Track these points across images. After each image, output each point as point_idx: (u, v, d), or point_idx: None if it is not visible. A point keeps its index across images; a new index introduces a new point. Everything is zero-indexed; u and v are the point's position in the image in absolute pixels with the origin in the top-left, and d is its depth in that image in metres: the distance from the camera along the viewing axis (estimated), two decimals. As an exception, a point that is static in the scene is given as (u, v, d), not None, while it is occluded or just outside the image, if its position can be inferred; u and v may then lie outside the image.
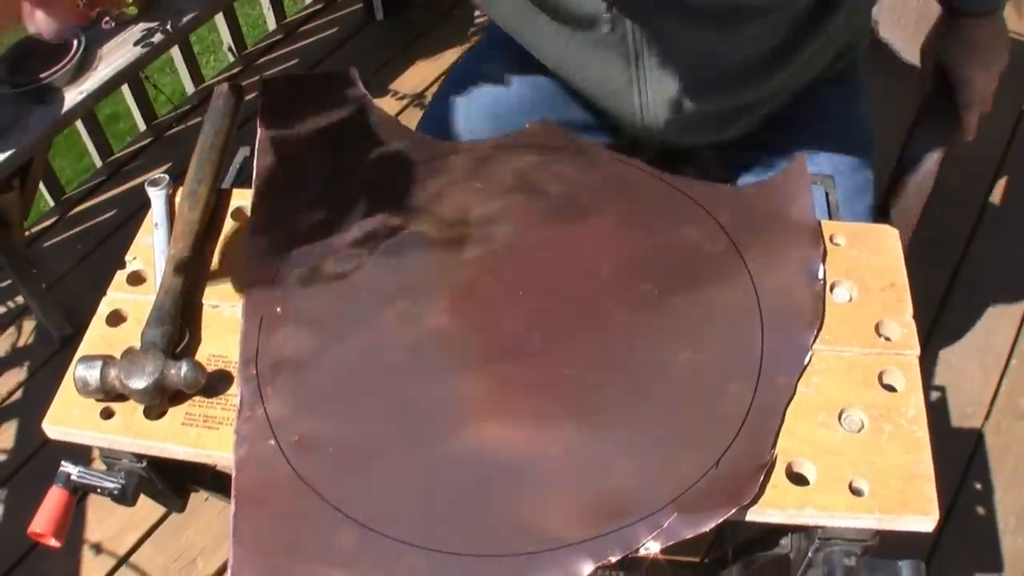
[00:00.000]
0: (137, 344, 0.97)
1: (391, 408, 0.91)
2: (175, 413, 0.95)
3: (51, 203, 2.81)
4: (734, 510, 0.80)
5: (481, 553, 0.80)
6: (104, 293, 1.06)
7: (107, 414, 0.96)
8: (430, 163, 1.12)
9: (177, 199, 1.11)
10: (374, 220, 1.07)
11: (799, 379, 0.89)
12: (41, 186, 2.73)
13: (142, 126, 2.97)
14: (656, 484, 0.82)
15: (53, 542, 0.96)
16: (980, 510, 1.89)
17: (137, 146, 2.93)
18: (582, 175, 1.09)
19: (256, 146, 1.14)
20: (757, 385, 0.88)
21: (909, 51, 2.22)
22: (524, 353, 0.93)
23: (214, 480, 1.12)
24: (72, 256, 2.59)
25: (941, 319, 2.22)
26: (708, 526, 0.79)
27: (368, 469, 0.87)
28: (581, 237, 1.03)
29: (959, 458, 1.98)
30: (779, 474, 0.83)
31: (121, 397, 0.96)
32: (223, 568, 1.96)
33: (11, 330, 2.49)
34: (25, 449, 2.22)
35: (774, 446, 0.84)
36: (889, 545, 0.84)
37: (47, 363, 2.38)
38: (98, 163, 2.90)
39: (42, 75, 2.19)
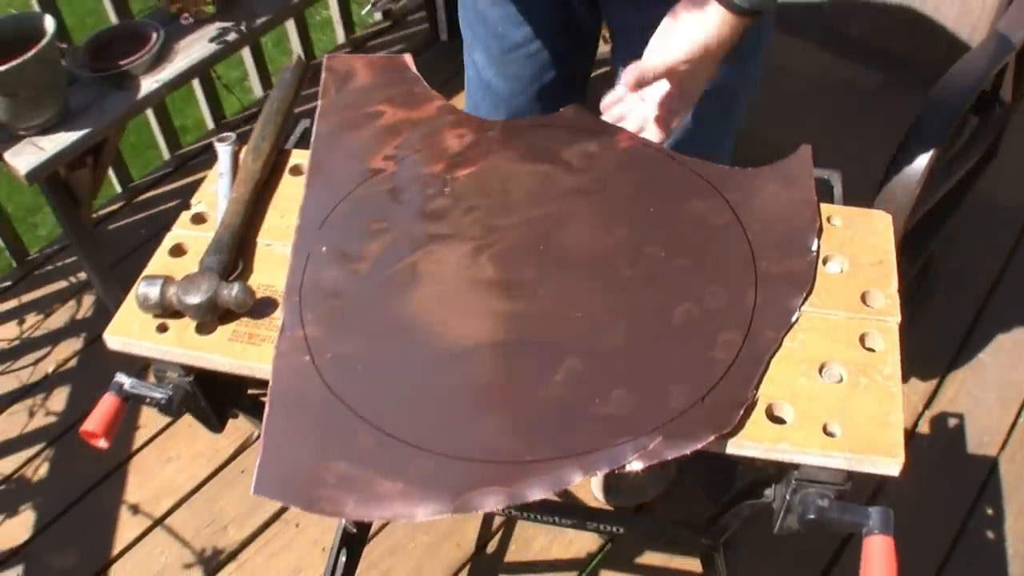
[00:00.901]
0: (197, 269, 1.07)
1: (413, 334, 1.01)
2: (223, 330, 1.04)
3: (118, 189, 2.94)
4: (713, 438, 0.88)
5: (483, 459, 0.89)
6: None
7: (162, 328, 1.06)
8: (471, 132, 1.23)
9: (242, 154, 1.21)
10: (413, 178, 1.18)
11: (785, 335, 0.98)
12: (110, 172, 2.87)
13: (210, 124, 3.11)
14: (646, 413, 0.91)
15: (102, 443, 1.05)
16: (990, 534, 1.94)
17: (204, 143, 3.06)
18: (603, 152, 1.19)
19: (317, 113, 1.26)
20: (746, 336, 0.97)
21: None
22: (538, 296, 1.03)
23: (253, 407, 1.21)
24: (135, 240, 2.72)
25: (964, 352, 2.28)
26: (688, 450, 0.88)
27: (389, 384, 0.97)
28: (598, 204, 1.13)
29: (972, 483, 2.03)
30: (760, 413, 0.91)
31: (177, 315, 1.06)
32: (253, 536, 2.06)
33: (71, 303, 2.62)
34: (74, 413, 2.34)
35: (756, 388, 0.93)
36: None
37: (101, 336, 2.50)
38: (166, 156, 3.04)
39: (121, 63, 2.33)
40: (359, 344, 1.00)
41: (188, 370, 1.07)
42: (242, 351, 1.02)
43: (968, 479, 2.03)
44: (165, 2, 2.44)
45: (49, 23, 2.20)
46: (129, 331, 1.06)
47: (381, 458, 0.90)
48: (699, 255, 1.06)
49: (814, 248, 1.05)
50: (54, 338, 2.54)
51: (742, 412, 0.90)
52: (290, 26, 3.15)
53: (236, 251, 1.11)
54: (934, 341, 2.31)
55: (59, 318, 2.59)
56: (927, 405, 2.18)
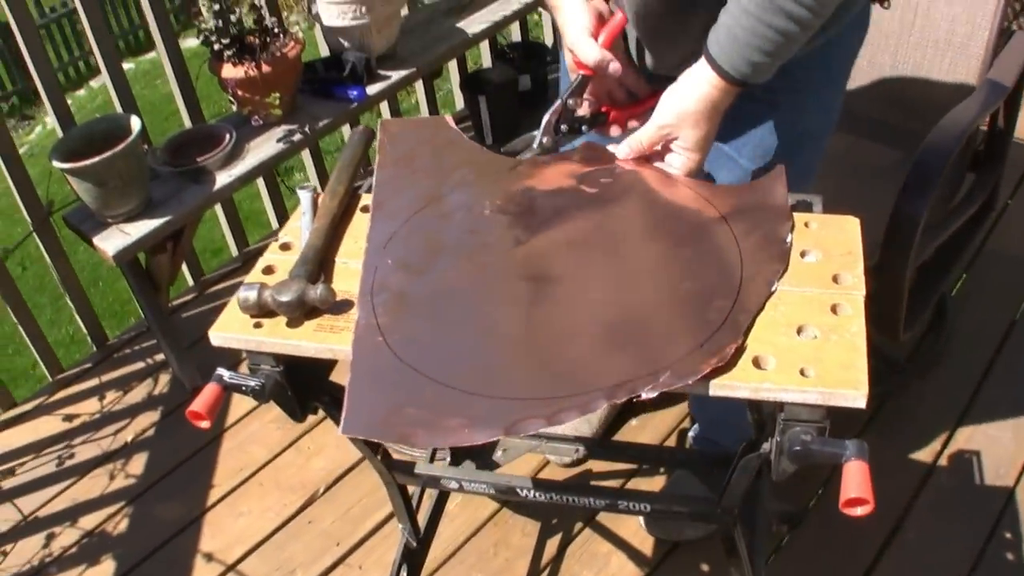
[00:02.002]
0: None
1: (463, 314, 1.26)
2: (309, 324, 1.26)
3: (191, 283, 3.20)
4: (710, 368, 1.10)
5: (526, 397, 1.11)
6: (235, 361, 1.40)
7: (257, 325, 1.27)
8: (505, 166, 1.48)
9: (321, 197, 1.45)
10: (459, 206, 1.43)
11: (766, 300, 1.20)
12: (184, 269, 3.13)
13: (274, 223, 3.38)
14: (657, 357, 1.13)
15: (204, 423, 1.25)
16: (1009, 555, 2.07)
17: (269, 241, 3.32)
18: (615, 176, 1.45)
19: (376, 164, 1.52)
20: (735, 302, 1.20)
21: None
22: (565, 283, 1.27)
23: (332, 401, 1.41)
24: (206, 325, 2.93)
25: (979, 396, 2.45)
26: (691, 380, 1.09)
27: (446, 353, 1.20)
28: (613, 215, 1.37)
29: (991, 511, 2.18)
30: (748, 363, 1.11)
31: (270, 315, 1.27)
32: (317, 578, 2.24)
33: (148, 381, 2.85)
34: (152, 475, 2.55)
35: (745, 336, 1.15)
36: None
37: (177, 408, 2.73)
38: (235, 253, 3.30)
39: (198, 159, 2.60)
40: (420, 326, 1.23)
41: (278, 361, 1.28)
42: (325, 338, 1.23)
43: (986, 509, 2.18)
44: (237, 107, 2.72)
45: (135, 123, 2.48)
46: (230, 328, 1.28)
47: (443, 403, 1.12)
48: (697, 247, 1.30)
49: (788, 240, 1.28)
50: (133, 411, 2.76)
51: (733, 350, 1.11)
52: (348, 131, 3.44)
53: (319, 265, 1.33)
54: (949, 388, 2.48)
55: (137, 394, 2.82)
56: (945, 445, 2.33)
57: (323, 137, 2.97)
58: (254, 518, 2.41)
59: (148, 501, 2.50)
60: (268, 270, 1.38)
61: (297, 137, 2.73)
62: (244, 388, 1.30)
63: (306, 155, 3.36)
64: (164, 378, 2.85)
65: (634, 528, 2.20)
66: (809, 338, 1.14)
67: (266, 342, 1.26)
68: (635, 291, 1.25)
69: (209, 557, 2.32)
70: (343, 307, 1.27)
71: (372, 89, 2.87)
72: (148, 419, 2.73)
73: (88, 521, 2.47)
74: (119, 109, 2.79)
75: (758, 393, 1.09)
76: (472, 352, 1.20)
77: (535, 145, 1.46)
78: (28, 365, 4.52)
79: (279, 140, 2.72)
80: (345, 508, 2.39)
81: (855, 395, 1.06)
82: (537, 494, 1.51)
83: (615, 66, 1.45)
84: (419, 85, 3.61)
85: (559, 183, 1.44)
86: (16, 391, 3.02)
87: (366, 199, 1.49)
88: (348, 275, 1.33)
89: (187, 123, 2.97)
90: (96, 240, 2.47)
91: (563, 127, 1.46)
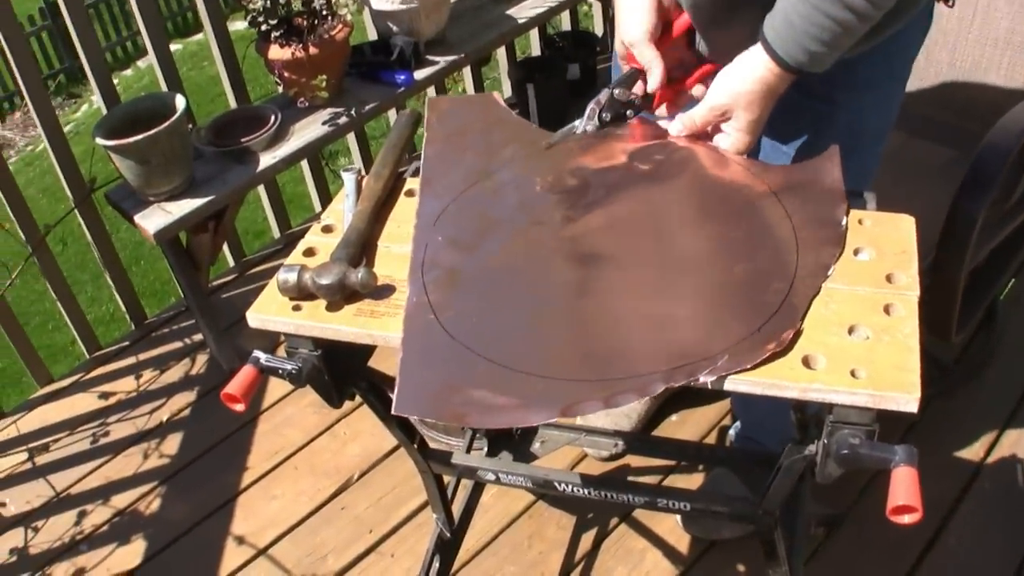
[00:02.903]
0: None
1: (515, 292, 1.24)
2: (349, 309, 1.24)
3: (232, 263, 3.19)
4: (768, 353, 1.07)
5: (582, 378, 1.09)
6: (272, 344, 1.38)
7: (296, 308, 1.25)
8: (556, 144, 1.45)
9: (366, 179, 1.43)
10: (510, 182, 1.41)
11: (822, 283, 1.18)
12: (225, 250, 3.12)
13: (317, 206, 3.36)
14: (714, 341, 1.10)
15: (239, 406, 1.23)
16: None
17: (311, 224, 3.31)
18: (667, 154, 1.41)
19: (424, 141, 1.49)
20: (791, 285, 1.16)
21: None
22: (620, 261, 1.24)
23: (370, 387, 1.39)
24: (245, 308, 2.93)
25: (1001, 439, 2.37)
26: (749, 364, 1.07)
27: (499, 331, 1.18)
28: (666, 194, 1.35)
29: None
30: (796, 361, 1.07)
31: (309, 297, 1.25)
32: (350, 564, 2.22)
33: (186, 361, 2.85)
34: (186, 456, 2.55)
35: (802, 320, 1.12)
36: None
37: (213, 389, 2.72)
38: (277, 235, 3.30)
39: (242, 140, 2.59)
40: (471, 304, 1.21)
41: (316, 345, 1.26)
42: (364, 323, 1.21)
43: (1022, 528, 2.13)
44: (283, 88, 2.71)
45: (180, 101, 2.47)
46: (268, 310, 1.26)
47: (497, 382, 1.10)
48: (751, 229, 1.27)
49: (843, 222, 1.25)
50: (169, 391, 2.76)
51: (791, 335, 1.09)
52: (394, 117, 3.42)
53: (361, 248, 1.31)
54: (996, 392, 2.43)
55: (174, 374, 2.82)
56: (989, 450, 2.29)
57: (369, 121, 2.95)
58: (287, 502, 2.39)
59: (181, 482, 2.49)
60: (309, 252, 1.35)
61: (343, 120, 2.72)
62: (281, 372, 1.28)
63: (351, 139, 3.35)
64: (201, 359, 2.84)
65: (670, 525, 2.17)
66: (861, 338, 1.10)
67: (304, 325, 1.24)
68: (689, 272, 1.22)
69: (240, 540, 2.31)
70: (384, 292, 1.25)
71: (420, 74, 2.85)
72: (184, 399, 2.73)
73: (120, 500, 2.47)
74: (165, 89, 2.78)
75: (807, 393, 1.05)
76: (525, 331, 1.18)
77: (578, 133, 1.43)
78: (67, 341, 4.56)
79: (324, 123, 2.71)
80: (379, 495, 2.37)
81: (907, 399, 1.03)
82: (575, 489, 1.48)
83: (660, 75, 1.42)
84: (467, 71, 3.58)
85: (611, 160, 1.41)
86: (54, 367, 3.03)
87: (411, 183, 1.46)
88: (390, 259, 1.31)
89: (232, 104, 2.95)
90: (137, 218, 2.47)
91: (606, 116, 1.43)
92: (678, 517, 2.15)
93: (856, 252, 1.22)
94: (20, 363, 2.86)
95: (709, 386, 1.07)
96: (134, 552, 2.33)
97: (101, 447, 2.63)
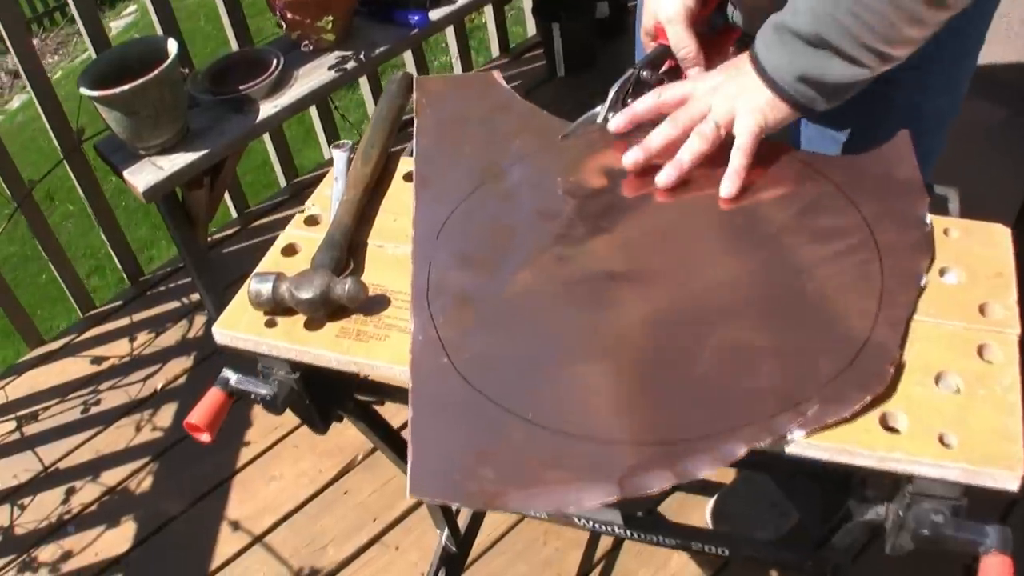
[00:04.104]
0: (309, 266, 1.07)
1: (549, 327, 1.00)
2: (331, 327, 1.04)
3: (235, 216, 2.99)
4: (868, 399, 0.87)
5: (642, 441, 0.88)
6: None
7: (270, 324, 1.05)
8: (574, 137, 1.22)
9: (353, 161, 1.22)
10: (523, 182, 1.17)
11: (918, 298, 0.97)
12: (227, 200, 2.93)
13: (327, 154, 3.15)
14: (797, 382, 0.90)
15: (204, 436, 1.05)
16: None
17: (320, 172, 3.11)
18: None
19: (415, 131, 1.26)
20: (880, 303, 0.96)
21: None
22: (671, 283, 1.02)
23: (358, 410, 1.20)
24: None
25: None
26: (846, 413, 0.86)
27: (533, 377, 0.96)
28: (713, 194, 1.12)
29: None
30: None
31: (287, 311, 1.05)
32: (352, 557, 2.05)
33: (183, 323, 2.67)
34: (180, 429, 2.37)
35: (902, 349, 0.92)
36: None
37: (211, 355, 2.54)
38: (283, 184, 3.09)
39: (241, 87, 2.38)
40: (494, 342, 0.99)
41: (294, 367, 1.06)
42: (348, 347, 1.01)
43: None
44: (286, 30, 2.49)
45: (172, 46, 2.26)
46: (238, 325, 1.06)
47: (537, 448, 0.89)
48: (819, 235, 1.05)
49: (928, 221, 1.04)
50: (164, 356, 2.59)
51: (892, 371, 0.89)
52: (409, 61, 3.19)
53: (348, 250, 1.10)
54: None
55: (170, 337, 2.64)
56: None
57: (381, 65, 2.73)
58: (286, 483, 2.22)
59: (174, 458, 2.33)
60: (289, 250, 1.16)
61: (351, 65, 2.50)
62: (254, 396, 1.08)
63: (365, 88, 3.12)
64: (199, 320, 2.67)
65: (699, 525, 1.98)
66: (950, 390, 0.90)
67: (279, 346, 1.04)
68: (753, 295, 1.00)
69: (236, 526, 2.15)
70: (375, 306, 1.05)
71: (436, 14, 2.62)
72: (180, 365, 2.55)
73: (110, 476, 2.31)
74: (159, 31, 2.57)
75: (885, 463, 0.85)
76: (564, 376, 0.95)
77: (599, 122, 1.21)
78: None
79: (331, 68, 2.49)
80: (385, 479, 2.19)
81: (1006, 476, 0.82)
82: (595, 525, 1.28)
83: (696, 59, 1.21)
84: (488, 10, 3.34)
85: None
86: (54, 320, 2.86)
87: (407, 163, 1.25)
88: (383, 263, 1.11)
89: (234, 47, 2.74)
90: (126, 174, 2.27)
91: (629, 101, 1.20)
92: (708, 516, 1.96)
93: (942, 272, 1.01)
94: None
95: (784, 449, 0.86)
96: (123, 536, 2.17)
97: (92, 417, 2.47)
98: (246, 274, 1.09)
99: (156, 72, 2.16)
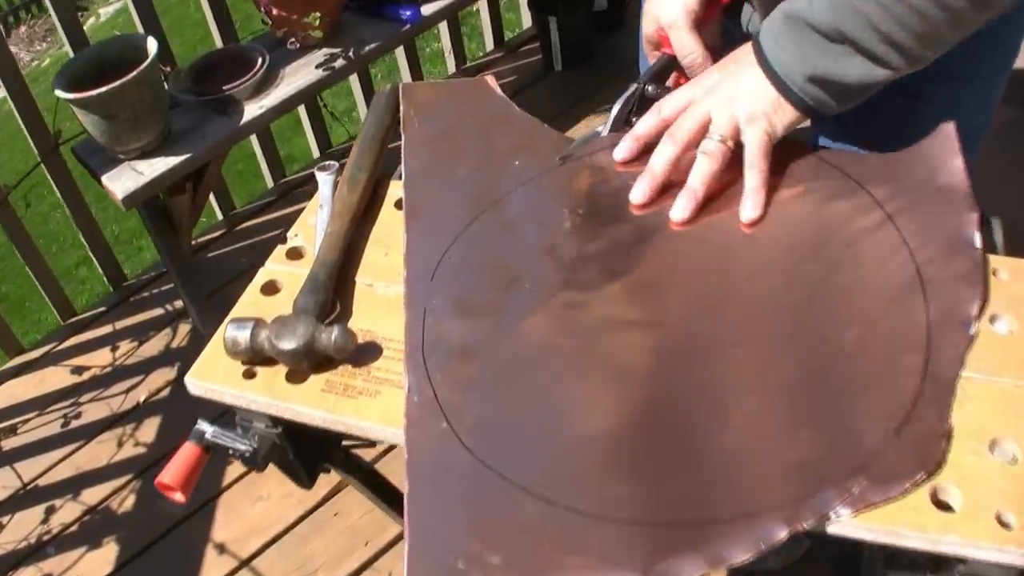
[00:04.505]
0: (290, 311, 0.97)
1: (562, 388, 0.89)
2: (316, 380, 0.94)
3: (220, 217, 2.89)
4: (923, 475, 0.77)
5: (671, 522, 0.78)
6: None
7: (249, 375, 0.96)
8: (581, 158, 1.10)
9: (339, 186, 1.12)
10: (528, 213, 1.07)
11: (967, 351, 0.86)
12: (212, 200, 2.82)
13: (316, 152, 3.05)
14: (840, 454, 0.79)
15: (178, 496, 0.96)
16: None
17: (309, 172, 3.00)
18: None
19: (403, 149, 1.14)
20: (927, 357, 0.85)
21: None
22: (693, 334, 0.91)
23: (346, 463, 1.10)
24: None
25: None
26: (897, 491, 0.76)
27: (545, 447, 0.85)
28: (733, 221, 1.00)
29: None
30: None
31: (267, 361, 0.95)
32: (342, 583, 1.96)
33: (167, 331, 2.57)
34: (164, 444, 2.28)
35: (950, 416, 0.81)
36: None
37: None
38: (270, 185, 2.98)
39: (225, 87, 2.27)
40: (501, 404, 0.88)
41: (276, 421, 0.97)
42: (335, 404, 0.91)
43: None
44: (271, 27, 2.38)
45: (152, 45, 2.15)
46: (213, 375, 0.97)
47: (552, 530, 0.78)
48: (856, 266, 0.93)
49: (978, 243, 0.92)
50: (147, 367, 2.49)
51: (944, 442, 0.79)
52: (400, 56, 3.08)
53: (333, 290, 1.01)
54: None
55: (153, 346, 2.54)
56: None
57: (372, 63, 2.64)
58: (273, 504, 2.13)
59: (156, 476, 2.22)
60: (270, 288, 1.06)
61: (339, 63, 2.39)
62: (231, 452, 0.99)
63: (356, 86, 3.01)
64: (184, 328, 2.56)
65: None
66: (1006, 459, 0.80)
67: (258, 401, 0.94)
68: (787, 347, 0.89)
69: (221, 548, 2.06)
70: (365, 356, 0.95)
71: (428, 9, 2.52)
72: (163, 376, 2.45)
73: (91, 495, 2.22)
74: (139, 27, 2.46)
75: (937, 546, 0.76)
76: (581, 448, 0.84)
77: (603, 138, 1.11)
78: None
79: (319, 66, 2.39)
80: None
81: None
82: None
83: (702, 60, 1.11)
84: (483, 5, 3.23)
85: None
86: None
87: (398, 188, 1.14)
88: (373, 305, 1.01)
89: (219, 43, 2.63)
90: (104, 179, 2.17)
91: (634, 120, 1.10)
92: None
93: (992, 320, 0.91)
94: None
95: (826, 529, 0.77)
96: (104, 559, 2.08)
97: (72, 431, 2.38)
98: (231, 280, 1.01)
99: (134, 73, 2.06)
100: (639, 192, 1.03)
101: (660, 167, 1.02)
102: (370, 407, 0.90)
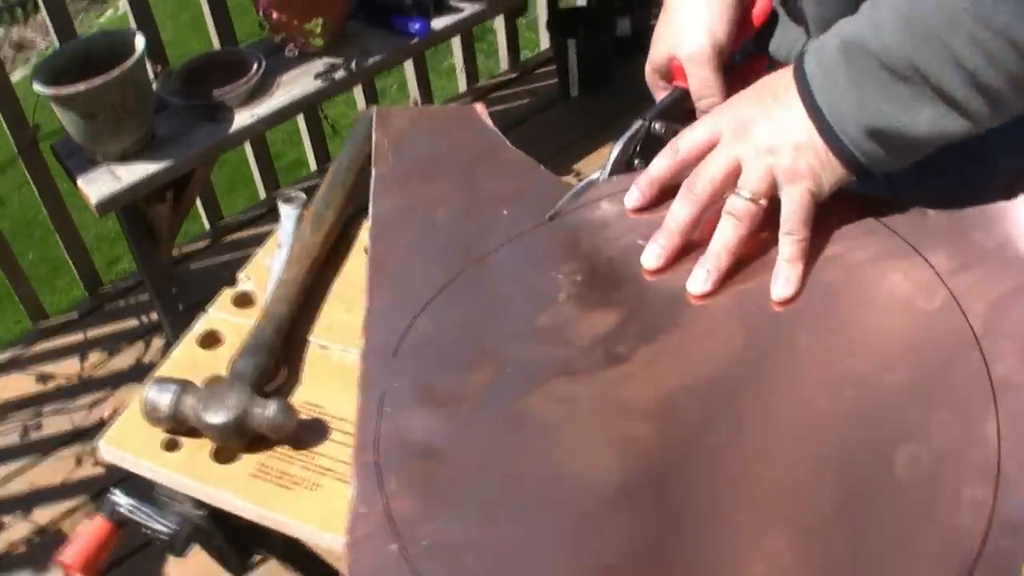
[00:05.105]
0: (226, 373, 0.83)
1: (545, 505, 0.72)
2: (248, 461, 0.79)
3: (207, 226, 2.75)
4: None
5: None
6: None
7: (172, 446, 0.81)
8: (580, 210, 0.93)
9: (304, 222, 0.97)
10: (515, 277, 0.90)
11: None
12: (200, 207, 2.68)
13: (313, 165, 2.91)
14: None
15: (79, 576, 0.82)
16: None
17: (306, 184, 2.86)
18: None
19: (371, 187, 0.98)
20: (996, 491, 0.67)
21: None
22: (708, 448, 0.73)
23: (286, 549, 0.95)
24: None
25: None
26: None
27: (520, 571, 0.68)
28: (763, 301, 0.82)
29: None
30: None
31: (193, 431, 0.81)
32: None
33: (139, 344, 2.43)
34: (121, 470, 2.12)
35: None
36: None
37: (166, 386, 2.30)
38: (263, 195, 2.84)
39: (215, 92, 2.13)
40: (468, 521, 0.71)
41: (200, 504, 0.82)
42: (267, 495, 0.76)
43: None
44: (269, 31, 2.24)
45: (140, 42, 2.01)
46: (130, 443, 0.82)
47: None
48: (913, 363, 0.76)
49: None
50: (116, 381, 2.36)
51: None
52: (409, 70, 2.94)
53: (280, 352, 0.86)
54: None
55: (124, 360, 2.41)
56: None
57: (375, 75, 2.50)
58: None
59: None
60: (210, 339, 0.91)
61: (340, 74, 2.26)
62: (147, 531, 0.85)
63: (360, 99, 2.87)
64: (157, 343, 2.43)
65: None
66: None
67: (178, 480, 0.80)
68: (830, 466, 0.71)
69: (172, 585, 1.91)
70: (307, 438, 0.80)
71: (439, 23, 2.39)
72: (131, 392, 2.30)
73: (43, 514, 2.09)
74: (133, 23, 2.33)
75: None
76: (565, 572, 0.68)
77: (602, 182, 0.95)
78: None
79: (317, 76, 2.25)
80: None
81: None
82: None
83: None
84: (499, 22, 3.09)
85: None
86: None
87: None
88: (325, 372, 0.86)
89: (216, 45, 2.49)
90: (80, 182, 2.04)
91: (637, 163, 0.94)
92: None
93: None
94: None
95: None
96: (50, 584, 1.93)
97: (31, 443, 2.25)
98: (213, 295, 0.86)
99: (116, 72, 1.93)
100: (653, 256, 0.86)
101: (678, 226, 0.85)
102: (308, 503, 0.75)
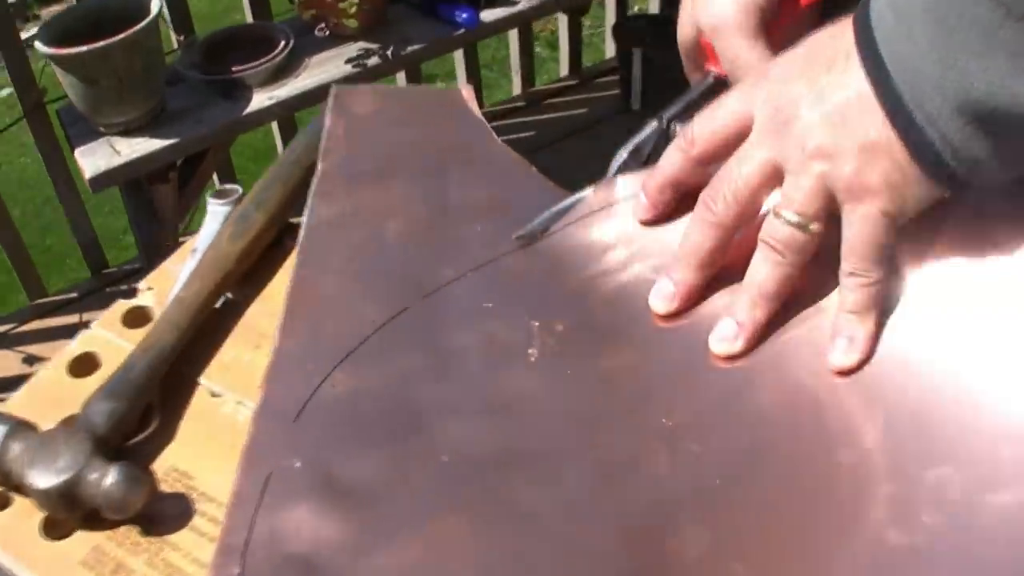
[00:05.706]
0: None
1: None
2: (82, 540, 0.59)
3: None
4: None
5: None
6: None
7: (2, 502, 0.61)
8: (569, 229, 0.70)
9: (222, 229, 0.77)
10: (476, 321, 0.66)
11: None
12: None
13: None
14: None
15: None
16: None
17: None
18: None
19: (312, 188, 0.75)
20: None
21: None
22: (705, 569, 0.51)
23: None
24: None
25: None
26: None
27: None
28: (813, 351, 0.59)
29: None
30: None
31: (21, 488, 0.61)
32: None
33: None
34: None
35: None
36: None
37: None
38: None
39: (235, 68, 1.95)
40: None
41: None
42: (94, 594, 0.56)
43: None
44: (298, 7, 2.06)
45: (155, 4, 1.83)
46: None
47: None
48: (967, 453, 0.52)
49: None
50: (105, 372, 2.17)
51: None
52: (459, 63, 2.75)
53: (156, 394, 0.66)
54: None
55: (118, 349, 2.23)
56: None
57: (416, 65, 2.30)
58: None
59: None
60: (85, 364, 0.72)
61: (373, 61, 2.08)
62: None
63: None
64: (155, 334, 2.24)
65: None
66: None
67: (-12, 556, 0.60)
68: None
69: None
70: (161, 519, 0.60)
71: (489, 15, 2.19)
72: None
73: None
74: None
75: None
76: None
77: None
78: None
79: (348, 61, 2.07)
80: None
81: None
82: None
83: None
84: (561, 20, 2.89)
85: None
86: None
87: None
88: (212, 428, 0.66)
89: (249, 18, 2.32)
90: (77, 152, 1.88)
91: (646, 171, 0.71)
92: None
93: None
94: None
95: None
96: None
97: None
98: None
99: (122, 36, 1.75)
100: (663, 296, 0.63)
101: (695, 258, 0.61)
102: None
